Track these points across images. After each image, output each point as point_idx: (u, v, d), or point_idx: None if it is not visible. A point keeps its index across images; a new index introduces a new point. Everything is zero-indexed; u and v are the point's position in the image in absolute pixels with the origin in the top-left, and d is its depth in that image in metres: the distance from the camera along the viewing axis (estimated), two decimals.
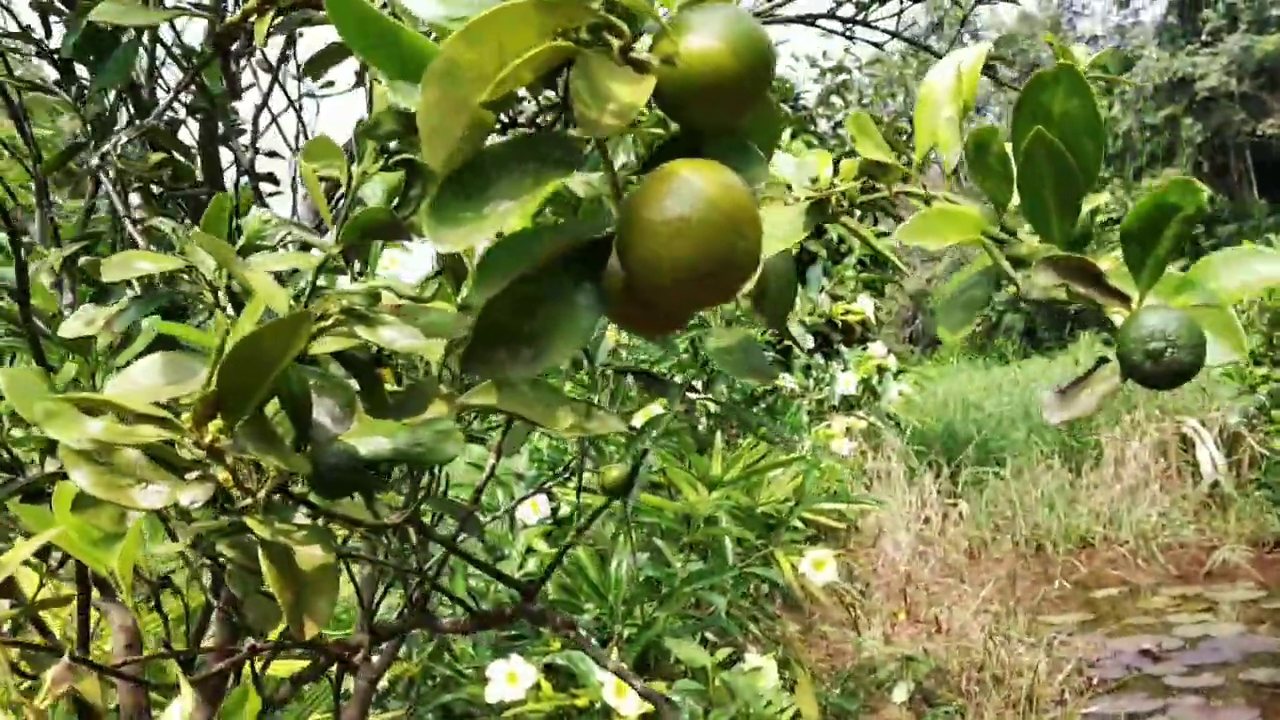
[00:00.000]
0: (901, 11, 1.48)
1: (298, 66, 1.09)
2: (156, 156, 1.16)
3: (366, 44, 0.42)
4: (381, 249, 0.64)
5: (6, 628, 0.83)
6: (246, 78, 1.33)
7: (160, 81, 1.33)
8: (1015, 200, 0.52)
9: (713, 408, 3.14)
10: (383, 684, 2.43)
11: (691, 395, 3.10)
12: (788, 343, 4.68)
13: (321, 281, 0.69)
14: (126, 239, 0.89)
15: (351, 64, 1.24)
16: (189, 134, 1.22)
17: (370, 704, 1.44)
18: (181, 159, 1.22)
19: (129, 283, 0.93)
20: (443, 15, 0.43)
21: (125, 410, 0.45)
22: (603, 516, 2.82)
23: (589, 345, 1.01)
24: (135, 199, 1.28)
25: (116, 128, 1.08)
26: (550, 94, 0.49)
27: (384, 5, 0.62)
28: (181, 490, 0.54)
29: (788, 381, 4.13)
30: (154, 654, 0.68)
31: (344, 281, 0.63)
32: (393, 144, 0.57)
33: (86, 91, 1.20)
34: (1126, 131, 21.73)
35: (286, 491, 0.60)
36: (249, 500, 0.53)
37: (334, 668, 1.25)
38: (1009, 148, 0.51)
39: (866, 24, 1.48)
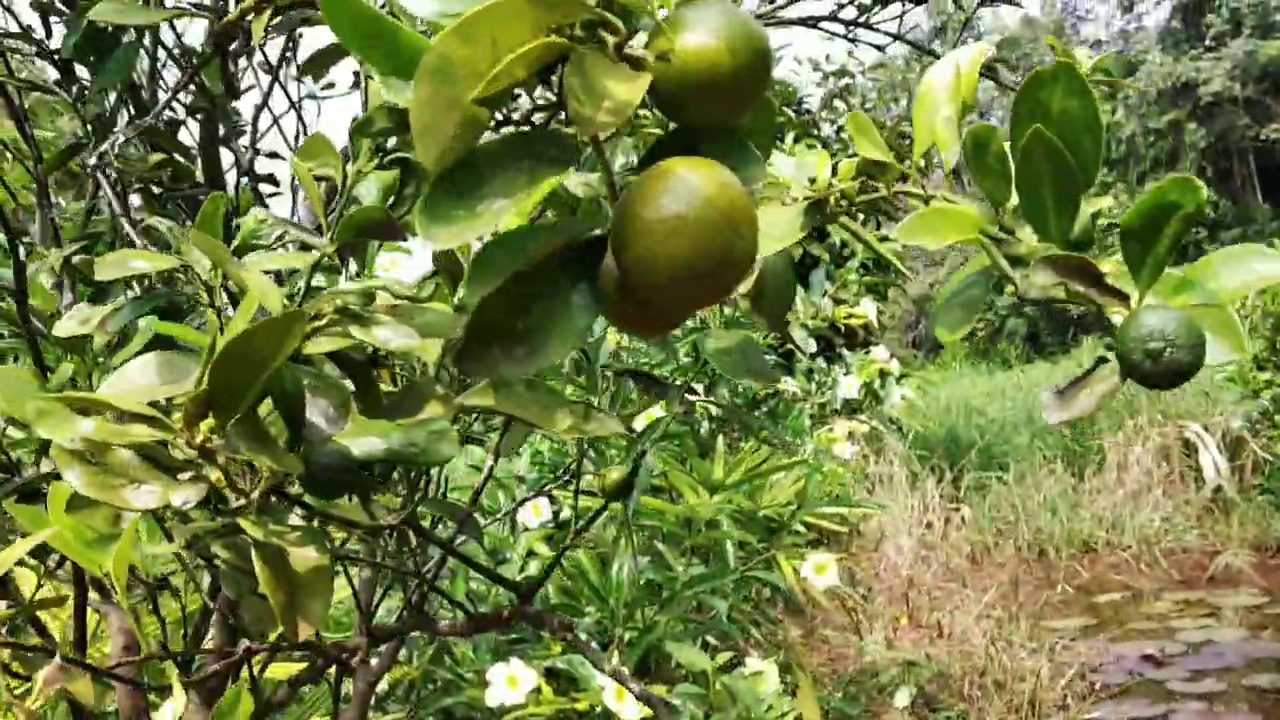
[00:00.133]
0: (904, 14, 1.48)
1: (298, 67, 1.09)
2: (156, 157, 1.16)
3: (359, 40, 0.42)
4: (378, 249, 0.63)
5: (4, 629, 0.83)
6: (248, 79, 1.33)
7: (161, 83, 1.33)
8: (1014, 200, 0.51)
9: (714, 411, 3.13)
10: (383, 687, 2.43)
11: (692, 398, 3.09)
12: (790, 346, 4.68)
13: (320, 282, 0.68)
14: (124, 239, 0.89)
15: (351, 65, 1.24)
16: (189, 135, 1.22)
17: (369, 706, 1.43)
18: (182, 160, 1.22)
19: (128, 284, 0.93)
20: (437, 12, 0.42)
21: (117, 409, 0.45)
22: (604, 520, 2.82)
23: (589, 347, 1.01)
24: (136, 200, 1.28)
25: (116, 128, 1.08)
26: (546, 94, 0.49)
27: (382, 5, 0.62)
28: (174, 490, 0.53)
29: (790, 385, 4.12)
30: (149, 655, 0.68)
31: (342, 283, 0.63)
32: (389, 142, 0.56)
33: (87, 92, 1.20)
34: (1130, 136, 21.72)
35: (281, 493, 0.60)
36: (242, 501, 0.53)
37: (332, 670, 1.25)
38: (1008, 147, 0.51)
39: (869, 26, 1.48)
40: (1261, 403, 5.87)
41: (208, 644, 1.00)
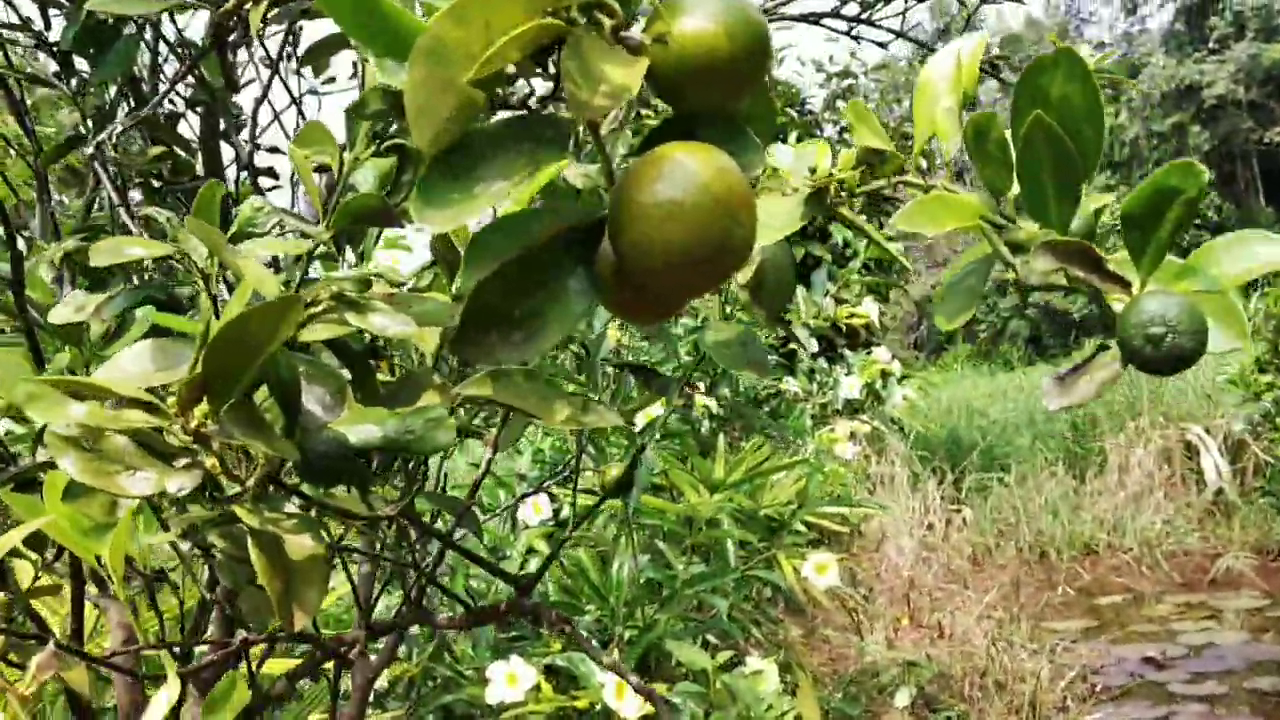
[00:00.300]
0: (906, 10, 1.47)
1: (298, 60, 1.09)
2: (156, 150, 1.16)
3: (354, 22, 0.42)
4: (377, 243, 0.63)
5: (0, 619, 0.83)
6: (249, 74, 1.33)
7: (162, 77, 1.33)
8: (1015, 190, 0.51)
9: (715, 410, 3.13)
10: (383, 684, 2.42)
11: (692, 391, 3.09)
12: (792, 346, 4.67)
13: (319, 273, 0.68)
14: (123, 230, 0.89)
15: (351, 58, 1.23)
16: (189, 128, 1.22)
17: (368, 702, 1.43)
18: (182, 154, 1.22)
19: (128, 277, 0.93)
20: None
21: (111, 394, 0.44)
22: (604, 519, 2.81)
23: (589, 343, 1.01)
24: (136, 195, 1.28)
25: (115, 119, 1.08)
26: (543, 81, 0.49)
27: None
28: (169, 477, 0.53)
29: (791, 385, 4.11)
30: (147, 644, 0.68)
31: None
32: (385, 127, 0.56)
33: (87, 85, 1.19)
34: (1134, 139, 21.71)
35: (278, 482, 0.60)
36: (238, 489, 0.52)
37: (331, 666, 1.25)
38: (1009, 135, 0.51)
39: (871, 23, 1.48)
40: (1263, 405, 5.86)
41: (206, 638, 1.00)
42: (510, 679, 2.25)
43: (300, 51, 1.29)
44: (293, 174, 1.28)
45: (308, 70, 1.43)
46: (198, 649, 0.95)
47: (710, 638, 2.74)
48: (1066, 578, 5.72)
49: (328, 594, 0.58)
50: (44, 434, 0.75)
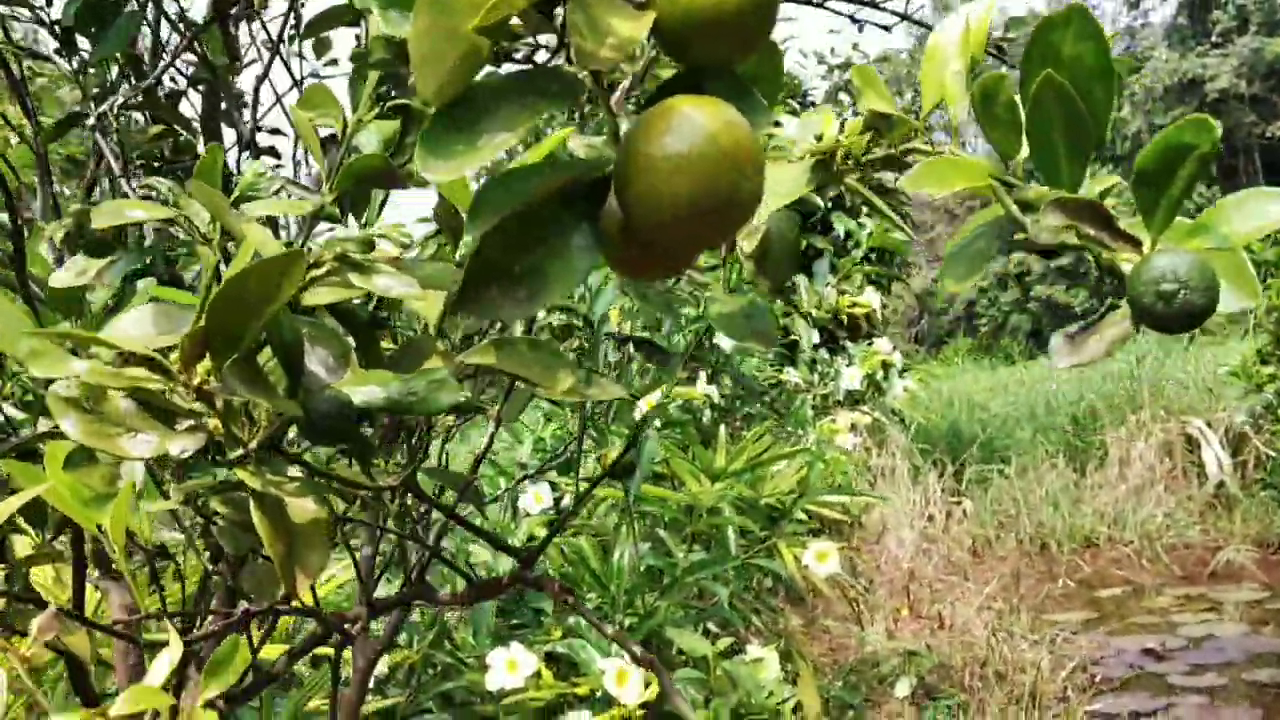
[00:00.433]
0: None
1: (299, 33, 1.08)
2: (157, 129, 1.16)
3: None
4: (381, 209, 0.63)
5: None
6: (251, 54, 1.32)
7: (164, 55, 1.32)
8: (1024, 154, 0.51)
9: (716, 399, 3.13)
10: (383, 671, 2.43)
11: (698, 386, 3.09)
12: (793, 338, 4.67)
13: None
14: (123, 199, 0.88)
15: (354, 35, 1.23)
16: (191, 108, 1.22)
17: (369, 684, 1.43)
18: (183, 133, 1.22)
19: (128, 249, 0.92)
20: None
21: (113, 347, 0.44)
22: (605, 507, 2.81)
23: (592, 316, 1.00)
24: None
25: (118, 93, 1.08)
26: (549, 36, 0.48)
27: None
28: (171, 440, 0.53)
29: (792, 376, 4.11)
30: (148, 614, 0.67)
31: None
32: (388, 91, 0.56)
33: (88, 63, 1.19)
34: (1136, 133, 21.68)
35: (280, 450, 0.59)
36: (240, 451, 0.52)
37: (332, 649, 1.24)
38: (1018, 99, 0.50)
39: (875, 5, 1.47)
40: (1265, 397, 5.86)
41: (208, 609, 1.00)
42: (510, 665, 2.25)
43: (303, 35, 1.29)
44: (294, 152, 1.28)
45: (310, 53, 1.43)
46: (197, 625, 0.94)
47: (710, 626, 2.74)
48: (1067, 570, 5.73)
49: (329, 564, 0.57)
50: (46, 408, 0.74)
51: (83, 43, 1.19)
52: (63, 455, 0.64)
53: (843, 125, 0.62)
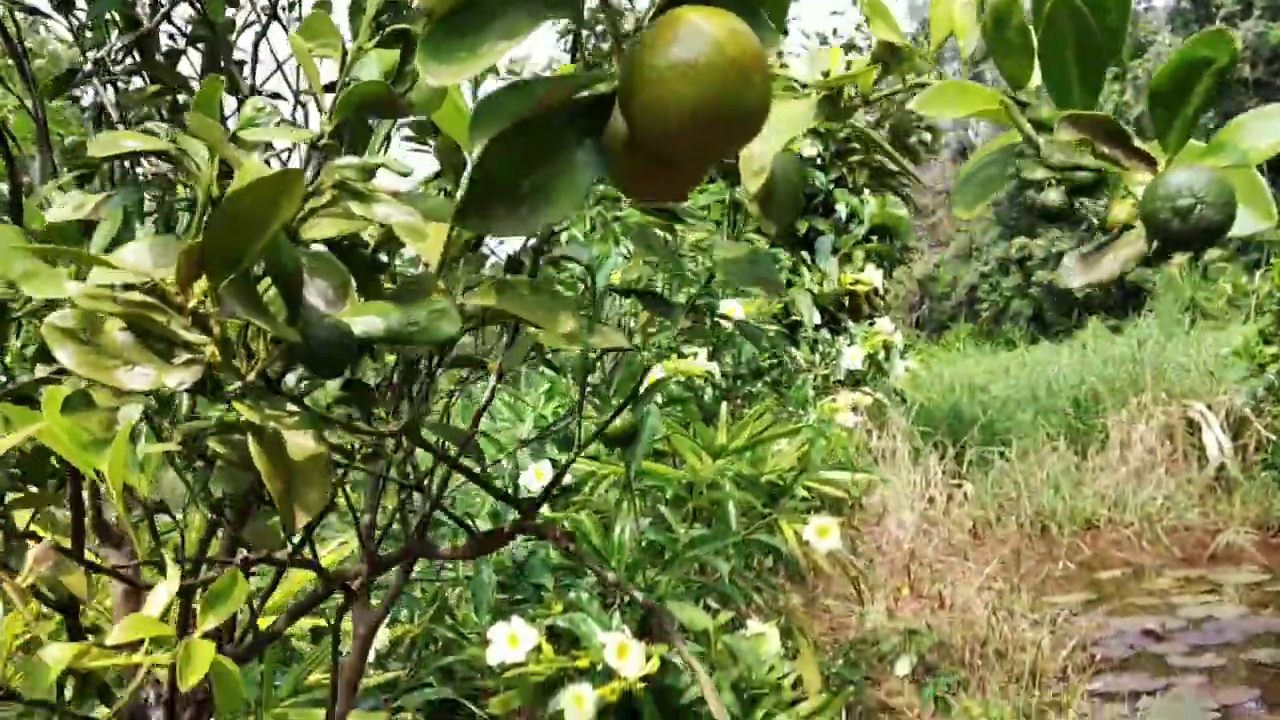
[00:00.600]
0: None
1: (299, 6, 1.07)
2: (154, 88, 1.14)
3: None
4: (384, 146, 0.62)
5: None
6: (253, 15, 1.31)
7: (168, 21, 1.31)
8: (1036, 81, 0.50)
9: (718, 376, 3.12)
10: (384, 645, 2.43)
11: (699, 363, 3.08)
12: (795, 317, 4.66)
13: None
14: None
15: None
16: (190, 66, 1.20)
17: (369, 652, 1.43)
18: (181, 93, 1.20)
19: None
20: None
21: (110, 266, 0.43)
22: (606, 484, 2.81)
23: (593, 266, 0.99)
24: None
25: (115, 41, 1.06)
26: None
27: None
28: (168, 372, 0.52)
29: (794, 355, 4.10)
30: (146, 560, 0.67)
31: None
32: (390, 19, 0.55)
33: (86, 25, 1.18)
34: (1137, 118, 21.60)
35: (279, 390, 0.59)
36: (239, 384, 0.51)
37: (333, 617, 1.24)
38: (1030, 26, 0.49)
39: None
40: (1268, 378, 5.85)
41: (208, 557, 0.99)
42: (511, 640, 2.25)
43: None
44: (293, 115, 1.26)
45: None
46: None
47: (711, 602, 2.74)
48: (1067, 552, 5.73)
49: (326, 504, 0.57)
50: (42, 354, 0.74)
51: (80, 1, 1.18)
52: (60, 399, 0.64)
53: (849, 66, 0.61)
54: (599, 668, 2.20)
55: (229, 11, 1.25)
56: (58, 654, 0.48)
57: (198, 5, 1.07)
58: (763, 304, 3.25)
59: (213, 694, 1.10)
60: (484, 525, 2.56)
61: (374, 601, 1.32)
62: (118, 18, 1.20)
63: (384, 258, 0.68)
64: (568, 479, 2.78)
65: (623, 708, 2.19)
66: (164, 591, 0.54)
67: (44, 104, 1.22)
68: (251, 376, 0.50)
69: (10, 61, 1.25)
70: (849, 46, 7.40)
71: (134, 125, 1.22)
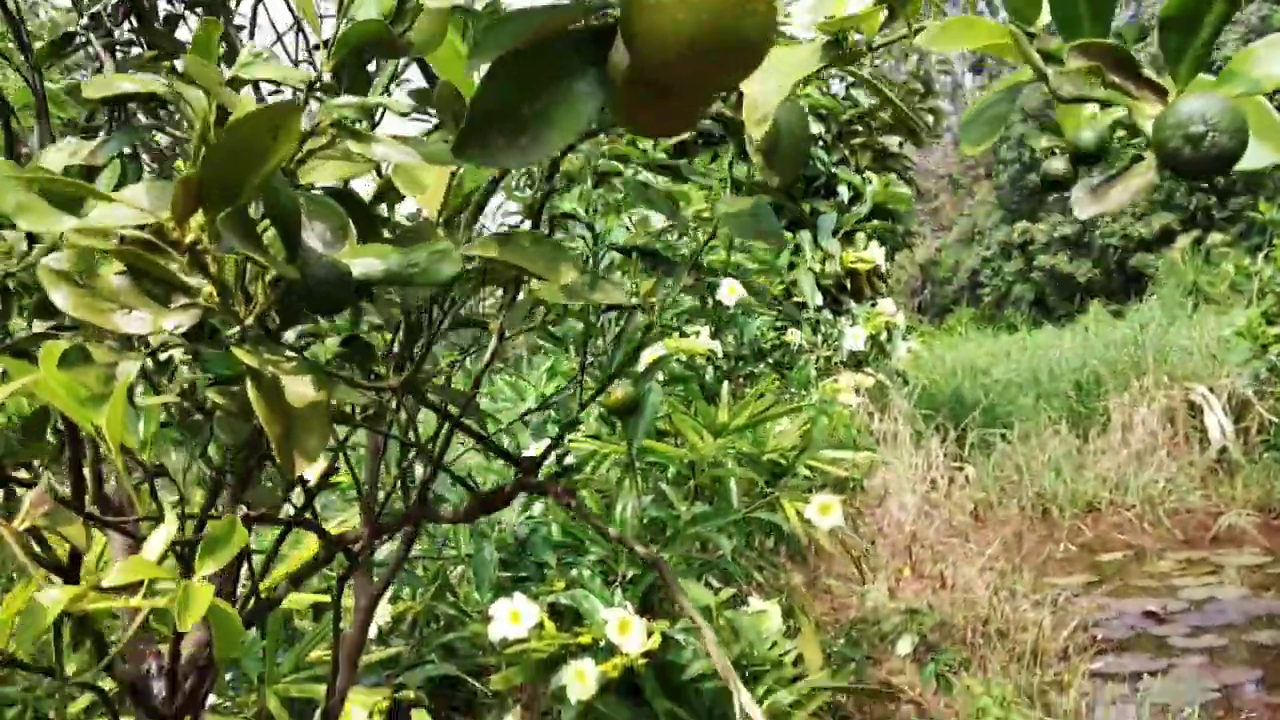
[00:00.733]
0: None
1: None
2: (152, 53, 1.14)
3: None
4: (386, 89, 0.61)
5: None
6: None
7: None
8: (1044, 19, 0.49)
9: (719, 354, 3.12)
10: (386, 620, 2.43)
11: (701, 341, 3.08)
12: (796, 299, 4.65)
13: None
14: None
15: None
16: (188, 31, 1.20)
17: (370, 624, 1.43)
18: (181, 60, 1.20)
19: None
20: None
21: (106, 199, 0.43)
22: (608, 463, 2.81)
23: (594, 225, 0.99)
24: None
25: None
26: None
27: None
28: (165, 316, 0.51)
29: (796, 336, 4.10)
30: (146, 515, 0.66)
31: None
32: None
33: None
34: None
35: (277, 339, 0.58)
36: (237, 328, 0.51)
37: (334, 587, 1.24)
38: None
39: None
40: (1270, 359, 5.84)
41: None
42: (514, 616, 2.25)
43: None
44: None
45: None
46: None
47: (712, 580, 2.74)
48: (1068, 534, 5.73)
49: (328, 441, 0.56)
50: (41, 308, 0.73)
51: None
52: (57, 354, 0.63)
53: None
54: (601, 644, 2.20)
55: None
56: (55, 595, 0.48)
57: None
58: (765, 282, 3.24)
59: (213, 661, 1.11)
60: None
61: (374, 579, 1.32)
62: None
63: (383, 211, 0.67)
64: (570, 459, 2.78)
65: (625, 683, 2.19)
66: (161, 536, 0.53)
67: (42, 75, 1.22)
68: (250, 321, 0.50)
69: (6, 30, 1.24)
70: None
71: (139, 125, 1.22)
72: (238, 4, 1.33)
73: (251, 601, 1.03)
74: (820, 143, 5.63)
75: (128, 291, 0.51)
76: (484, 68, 0.39)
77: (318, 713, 1.53)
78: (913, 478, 5.64)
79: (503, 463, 2.67)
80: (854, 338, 4.08)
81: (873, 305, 4.48)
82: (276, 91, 1.21)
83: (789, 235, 4.39)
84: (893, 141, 6.30)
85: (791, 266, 4.77)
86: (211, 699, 1.96)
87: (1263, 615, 4.39)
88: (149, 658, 1.15)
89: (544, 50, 0.40)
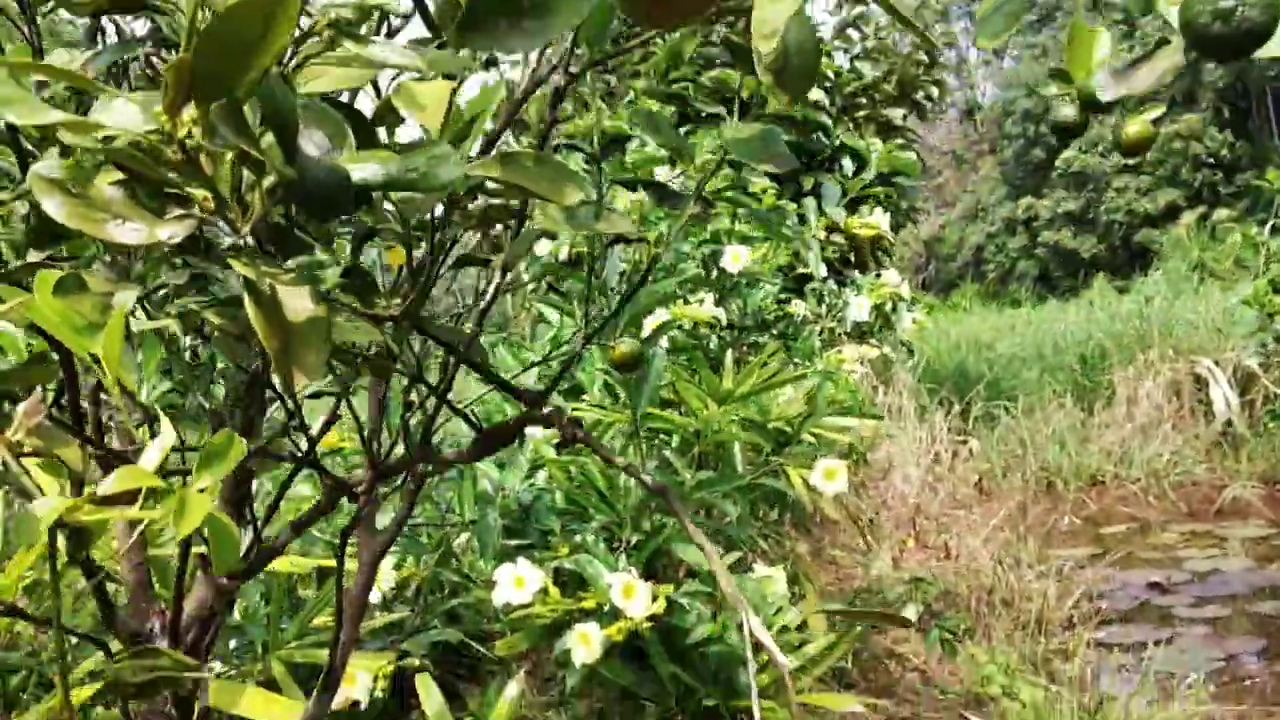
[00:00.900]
0: None
1: None
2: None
3: None
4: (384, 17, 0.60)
5: None
6: None
7: None
8: None
9: (724, 321, 3.10)
10: (390, 589, 2.43)
11: (708, 310, 3.06)
12: (801, 270, 4.63)
13: None
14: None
15: None
16: None
17: (374, 580, 1.42)
18: None
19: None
20: None
21: (93, 87, 0.41)
22: (613, 431, 2.80)
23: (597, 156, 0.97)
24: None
25: None
26: None
27: None
28: (160, 226, 0.50)
29: (800, 307, 4.08)
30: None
31: None
32: None
33: None
34: None
35: (270, 253, 0.57)
36: (234, 239, 0.50)
37: (336, 545, 1.23)
38: None
39: None
40: (1276, 329, 5.81)
41: None
42: (518, 582, 2.25)
43: None
44: None
45: None
46: None
47: (717, 546, 2.74)
48: (1073, 507, 5.73)
49: (326, 358, 0.55)
50: (34, 238, 0.72)
51: None
52: (51, 282, 0.62)
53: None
54: (605, 609, 2.20)
55: None
56: (49, 504, 0.47)
57: None
58: (768, 251, 3.22)
59: (214, 614, 1.10)
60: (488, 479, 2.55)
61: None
62: None
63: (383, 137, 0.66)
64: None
65: (629, 647, 2.19)
66: (158, 448, 0.52)
67: (38, 29, 1.20)
68: (246, 230, 0.48)
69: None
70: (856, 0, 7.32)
71: (131, 39, 1.20)
72: None
73: (255, 549, 1.03)
74: (824, 118, 5.60)
75: (121, 202, 0.50)
76: None
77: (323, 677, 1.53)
78: (917, 451, 5.63)
79: (509, 409, 2.66)
80: (859, 308, 4.07)
81: (877, 276, 4.45)
82: None
83: (792, 206, 4.36)
84: (897, 114, 6.27)
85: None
86: (217, 666, 1.96)
87: (1266, 586, 4.38)
88: (152, 617, 1.14)
89: None
